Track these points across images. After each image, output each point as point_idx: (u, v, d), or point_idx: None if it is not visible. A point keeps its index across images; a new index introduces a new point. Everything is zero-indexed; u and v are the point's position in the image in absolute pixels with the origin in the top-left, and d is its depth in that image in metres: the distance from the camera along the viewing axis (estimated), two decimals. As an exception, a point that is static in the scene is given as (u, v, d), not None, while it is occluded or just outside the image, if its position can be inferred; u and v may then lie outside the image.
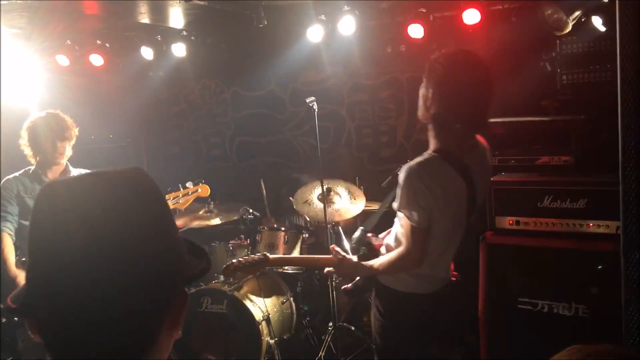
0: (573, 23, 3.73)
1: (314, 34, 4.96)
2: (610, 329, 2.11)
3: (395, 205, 2.47)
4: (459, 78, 2.39)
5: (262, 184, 5.24)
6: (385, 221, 3.02)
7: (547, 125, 3.77)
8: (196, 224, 4.45)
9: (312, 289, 4.79)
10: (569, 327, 3.29)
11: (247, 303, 4.15)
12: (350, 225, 4.86)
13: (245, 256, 2.88)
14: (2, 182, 3.83)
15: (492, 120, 4.45)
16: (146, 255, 0.90)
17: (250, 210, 4.74)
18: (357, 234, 2.89)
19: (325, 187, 4.31)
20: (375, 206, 4.56)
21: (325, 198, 4.36)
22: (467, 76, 2.39)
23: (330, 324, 4.26)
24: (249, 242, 4.58)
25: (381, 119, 5.73)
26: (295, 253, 4.56)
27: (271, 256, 2.87)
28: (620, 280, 1.80)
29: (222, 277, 4.39)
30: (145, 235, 0.91)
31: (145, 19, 4.97)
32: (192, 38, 5.53)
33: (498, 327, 3.48)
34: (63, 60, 5.75)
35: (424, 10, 4.63)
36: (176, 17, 5.05)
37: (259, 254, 2.86)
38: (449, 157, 2.42)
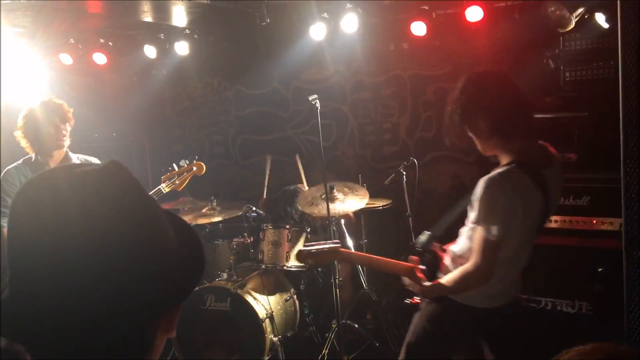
0: (576, 20, 3.72)
1: (317, 31, 4.96)
2: (613, 325, 2.11)
3: (472, 217, 2.37)
4: (489, 87, 2.42)
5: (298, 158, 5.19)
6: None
7: (550, 122, 3.76)
8: (199, 221, 4.46)
9: (316, 286, 4.79)
10: (573, 324, 3.29)
11: (251, 300, 4.16)
12: (353, 223, 4.87)
13: (319, 243, 2.84)
14: (2, 173, 3.70)
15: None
16: (133, 259, 0.85)
17: (254, 208, 4.74)
18: (422, 238, 2.79)
19: (328, 185, 4.30)
20: (378, 203, 4.57)
21: (328, 196, 4.36)
22: (494, 85, 2.42)
23: (334, 321, 4.26)
24: (252, 240, 4.59)
25: (384, 117, 5.73)
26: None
27: (342, 249, 2.85)
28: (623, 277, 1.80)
29: (225, 275, 4.40)
30: (133, 238, 0.86)
31: (148, 17, 4.98)
32: (195, 36, 5.54)
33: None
34: (66, 59, 5.76)
35: (427, 8, 4.63)
36: (179, 16, 5.06)
37: (331, 243, 2.83)
38: (527, 168, 2.34)
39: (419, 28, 4.70)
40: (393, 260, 2.78)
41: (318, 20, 4.90)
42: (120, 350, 0.86)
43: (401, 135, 5.65)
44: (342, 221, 4.48)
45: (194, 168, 3.89)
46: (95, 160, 3.72)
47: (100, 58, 5.83)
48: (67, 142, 3.75)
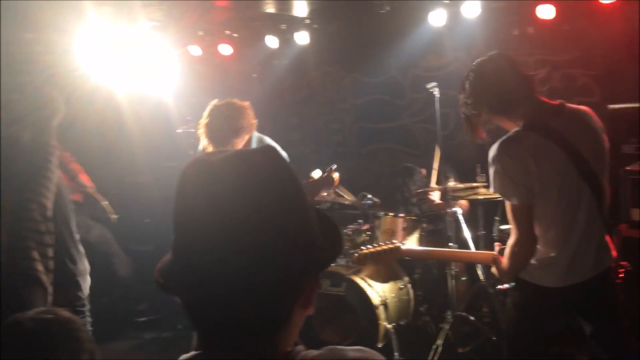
0: None
1: (437, 18, 4.88)
2: None
3: (490, 190, 2.41)
4: (485, 68, 2.49)
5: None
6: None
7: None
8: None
9: (431, 276, 4.74)
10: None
11: (365, 287, 4.20)
12: (470, 213, 4.76)
13: (377, 244, 2.89)
14: None
15: (630, 105, 4.18)
16: (283, 235, 0.93)
17: (369, 196, 4.77)
18: (497, 225, 2.79)
19: (443, 175, 4.25)
20: (497, 194, 4.42)
21: (444, 185, 4.30)
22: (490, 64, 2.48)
23: (449, 312, 4.21)
24: (368, 227, 4.62)
25: (505, 105, 5.52)
26: (414, 240, 4.55)
27: (403, 247, 2.86)
28: None
29: (341, 261, 4.47)
30: (283, 215, 0.94)
31: (270, 8, 5.15)
32: (315, 26, 5.64)
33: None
34: (195, 50, 6.07)
35: (556, -11, 4.40)
36: (300, 6, 5.18)
37: (390, 243, 2.86)
38: (533, 127, 2.30)
39: (546, 11, 4.48)
40: (471, 251, 2.74)
41: (438, 7, 4.81)
42: (262, 317, 0.94)
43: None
44: (459, 211, 4.39)
45: (329, 180, 3.65)
46: (269, 141, 3.87)
47: (225, 49, 6.10)
48: (242, 143, 3.71)
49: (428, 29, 5.12)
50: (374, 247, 2.84)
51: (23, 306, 1.48)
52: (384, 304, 4.22)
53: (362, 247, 2.87)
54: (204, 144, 3.73)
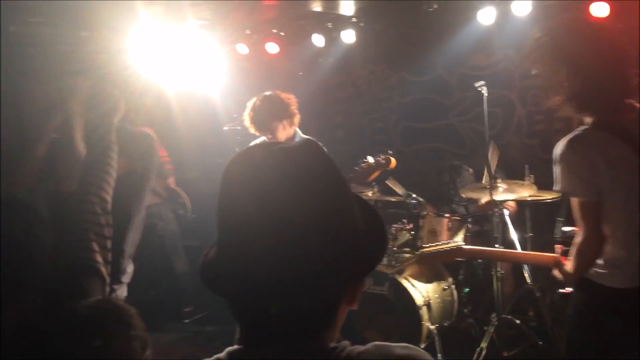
0: None
1: (486, 16, 4.80)
2: None
3: (555, 188, 2.32)
4: (589, 44, 2.26)
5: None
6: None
7: None
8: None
9: (475, 277, 4.69)
10: None
11: (409, 287, 4.18)
12: (517, 215, 4.68)
13: (439, 244, 2.87)
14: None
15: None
16: (323, 229, 0.92)
17: (414, 195, 4.74)
18: (560, 226, 2.72)
19: (491, 174, 4.18)
20: (546, 196, 4.34)
21: (491, 185, 4.24)
22: (595, 41, 2.26)
23: (494, 315, 4.15)
24: (412, 226, 4.59)
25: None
26: (459, 241, 4.50)
27: (466, 247, 2.83)
28: None
29: (384, 260, 4.46)
30: (322, 208, 0.93)
31: (317, 7, 5.17)
32: (361, 24, 5.63)
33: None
34: (243, 48, 6.14)
35: (611, -14, 4.28)
36: (347, 4, 5.18)
37: (452, 242, 2.84)
38: (604, 126, 2.23)
39: (600, 9, 4.36)
40: (534, 253, 2.68)
41: (487, 4, 4.74)
42: (306, 312, 0.94)
43: (575, 125, 5.26)
44: (506, 212, 4.31)
45: (383, 162, 3.85)
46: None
47: (272, 47, 6.14)
48: (284, 133, 3.99)
49: (476, 27, 5.05)
50: (437, 245, 2.83)
51: (82, 296, 1.54)
52: (427, 305, 4.19)
53: (425, 246, 2.86)
54: (248, 126, 4.03)
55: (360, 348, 0.97)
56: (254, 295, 0.93)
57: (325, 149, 1.01)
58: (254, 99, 4.04)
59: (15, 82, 4.36)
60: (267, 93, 4.04)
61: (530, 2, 4.52)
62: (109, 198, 1.81)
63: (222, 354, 0.98)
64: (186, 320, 5.36)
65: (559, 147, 2.29)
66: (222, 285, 0.97)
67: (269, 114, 3.95)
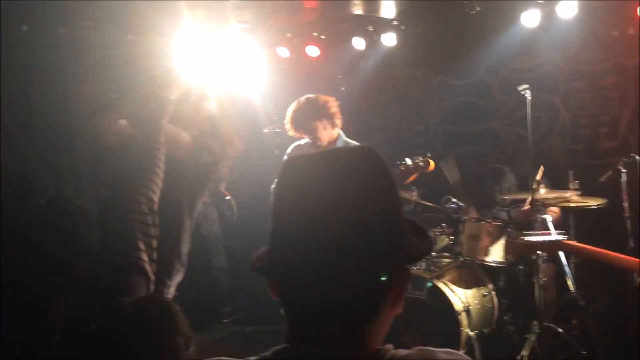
0: None
1: (529, 18, 4.73)
2: None
3: None
4: None
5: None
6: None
7: None
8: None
9: (516, 284, 4.60)
10: None
11: (448, 292, 4.13)
12: (558, 220, 4.57)
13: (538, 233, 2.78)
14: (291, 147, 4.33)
15: None
16: (373, 229, 0.94)
17: (453, 200, 4.69)
18: None
19: (534, 180, 4.11)
20: (591, 202, 4.23)
21: (535, 191, 4.16)
22: None
23: (535, 323, 4.06)
24: (451, 230, 4.54)
25: (602, 109, 5.27)
26: (499, 247, 4.42)
27: (568, 241, 2.77)
28: None
29: (423, 264, 4.42)
30: (374, 209, 0.96)
31: (358, 10, 5.17)
32: (402, 27, 5.61)
33: None
34: (283, 51, 6.19)
35: (661, -13, 4.16)
36: (388, 7, 5.17)
37: (553, 234, 2.76)
38: None
39: (650, 10, 4.24)
40: (627, 257, 2.59)
41: (531, 7, 4.66)
42: (353, 311, 0.95)
43: (622, 129, 5.15)
44: (549, 217, 4.23)
45: (422, 164, 3.83)
46: (354, 144, 4.11)
47: (313, 50, 6.18)
48: (325, 133, 4.10)
49: (520, 29, 4.97)
50: (532, 234, 2.75)
51: (127, 293, 1.58)
52: (467, 310, 4.14)
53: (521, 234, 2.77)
54: (287, 129, 4.16)
55: (403, 352, 0.98)
56: (303, 292, 0.95)
57: (380, 156, 1.03)
58: (294, 103, 4.14)
59: (63, 87, 4.50)
60: (307, 96, 4.15)
61: (576, 3, 4.41)
62: (155, 198, 1.85)
63: (267, 353, 0.99)
64: (225, 320, 5.42)
65: None
66: (273, 279, 1.01)
67: (309, 114, 4.06)
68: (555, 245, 2.66)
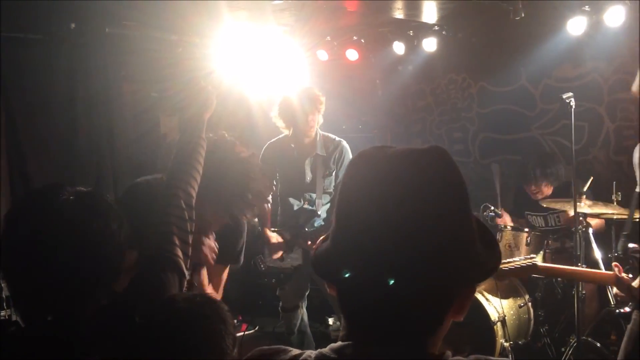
0: None
1: (575, 26, 4.63)
2: None
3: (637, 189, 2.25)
4: None
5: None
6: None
7: None
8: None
9: (554, 296, 4.50)
10: None
11: (483, 301, 4.07)
12: (601, 232, 4.46)
13: (515, 260, 2.81)
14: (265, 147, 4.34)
15: None
16: (442, 237, 0.91)
17: (492, 208, 4.62)
18: (621, 243, 2.64)
19: (580, 189, 4.02)
20: (635, 215, 4.11)
21: (576, 202, 4.06)
22: None
23: (573, 336, 3.97)
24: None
25: (647, 120, 5.12)
26: (538, 257, 4.34)
27: (540, 264, 2.76)
28: None
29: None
30: (444, 214, 0.92)
31: (399, 14, 5.14)
32: (444, 33, 5.56)
33: None
34: (323, 55, 6.20)
35: None
36: (429, 12, 5.13)
37: (527, 259, 2.77)
38: None
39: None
40: (594, 270, 2.59)
41: (578, 14, 4.57)
42: (416, 316, 0.93)
43: (668, 140, 4.99)
44: (591, 230, 4.12)
45: None
46: (332, 137, 4.29)
47: (352, 54, 6.17)
48: (315, 127, 4.17)
49: (565, 37, 4.87)
50: (509, 262, 2.76)
51: (160, 288, 1.57)
52: (502, 321, 4.06)
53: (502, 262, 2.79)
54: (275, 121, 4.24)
55: (461, 359, 0.96)
56: (364, 292, 0.93)
57: (451, 157, 0.99)
58: (289, 95, 4.20)
59: (107, 87, 4.59)
60: (305, 87, 4.27)
61: (624, 11, 4.30)
62: (194, 193, 1.85)
63: (325, 349, 0.97)
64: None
65: (636, 151, 2.24)
66: (334, 277, 0.98)
67: (308, 106, 4.09)
68: (528, 270, 2.63)
